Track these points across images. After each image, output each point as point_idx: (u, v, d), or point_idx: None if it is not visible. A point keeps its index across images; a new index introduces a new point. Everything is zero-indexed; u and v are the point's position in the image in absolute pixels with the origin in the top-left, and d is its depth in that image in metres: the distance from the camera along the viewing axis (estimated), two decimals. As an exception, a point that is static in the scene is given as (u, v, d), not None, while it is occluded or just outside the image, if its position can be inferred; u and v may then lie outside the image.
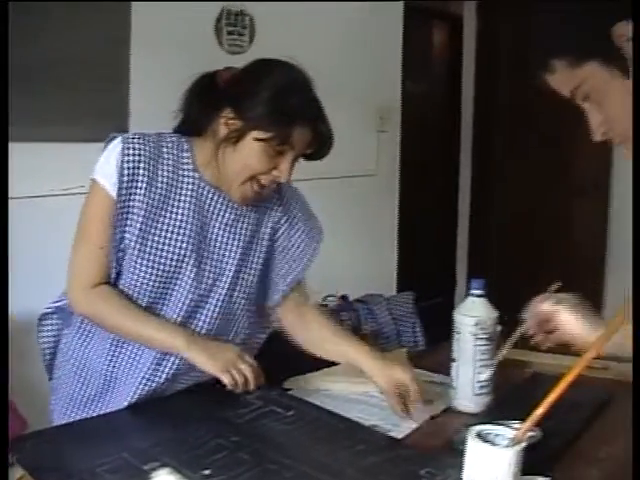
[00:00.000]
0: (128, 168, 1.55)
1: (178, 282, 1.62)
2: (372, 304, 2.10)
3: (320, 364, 1.81)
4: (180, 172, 1.61)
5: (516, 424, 1.28)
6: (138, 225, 1.57)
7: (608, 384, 1.76)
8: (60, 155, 2.68)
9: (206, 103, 1.61)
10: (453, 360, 1.65)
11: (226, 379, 1.52)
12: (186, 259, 1.61)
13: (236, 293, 1.69)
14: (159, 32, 2.93)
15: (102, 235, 1.58)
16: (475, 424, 1.30)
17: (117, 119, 2.78)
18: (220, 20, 3.19)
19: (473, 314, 1.63)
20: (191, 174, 1.62)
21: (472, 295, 1.65)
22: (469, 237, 4.76)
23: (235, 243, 1.67)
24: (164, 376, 1.62)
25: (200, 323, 1.64)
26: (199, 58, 3.04)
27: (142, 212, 1.58)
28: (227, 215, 1.65)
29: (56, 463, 1.34)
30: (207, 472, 1.32)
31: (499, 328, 1.75)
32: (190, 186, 1.61)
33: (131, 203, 1.57)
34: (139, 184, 1.57)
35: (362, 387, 1.77)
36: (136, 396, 1.61)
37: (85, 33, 2.66)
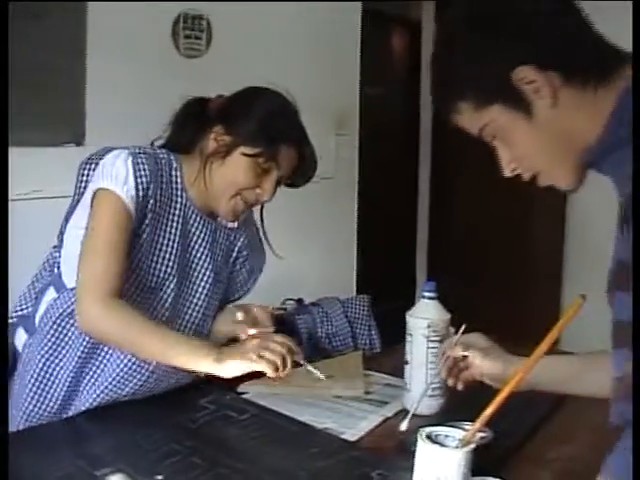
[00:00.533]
0: (142, 183, 1.55)
1: (157, 299, 1.62)
2: (327, 307, 2.11)
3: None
4: (171, 190, 1.62)
5: (466, 425, 1.30)
6: (140, 240, 1.57)
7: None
8: (14, 159, 2.65)
9: (196, 123, 1.66)
10: (406, 362, 1.66)
11: (262, 367, 1.48)
12: (170, 277, 1.62)
13: (208, 312, 1.72)
14: (115, 36, 2.91)
15: (121, 246, 1.53)
16: (426, 426, 1.31)
17: (73, 123, 2.76)
18: (177, 24, 3.18)
19: (425, 316, 1.64)
20: (180, 193, 1.63)
21: (424, 297, 1.67)
22: (429, 240, 4.80)
23: (210, 267, 1.70)
24: (127, 389, 1.61)
25: None
26: (156, 62, 3.05)
27: (147, 228, 1.58)
28: (206, 238, 1.69)
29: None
30: (160, 477, 1.32)
31: (452, 330, 1.77)
32: (179, 205, 1.63)
33: (142, 224, 1.58)
34: (149, 199, 1.57)
35: (315, 391, 1.77)
36: (95, 403, 1.60)
37: (39, 36, 2.64)
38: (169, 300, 1.63)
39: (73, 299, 1.55)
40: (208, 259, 1.69)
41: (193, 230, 1.66)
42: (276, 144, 1.58)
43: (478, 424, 1.25)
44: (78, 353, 1.58)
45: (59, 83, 2.71)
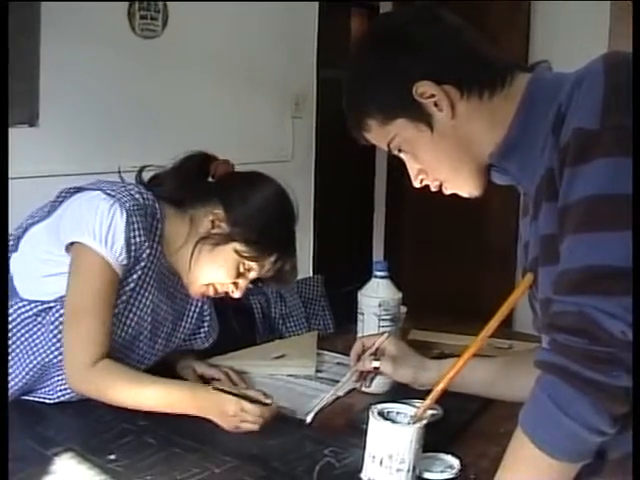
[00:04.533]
0: (135, 244, 1.51)
1: (129, 349, 1.60)
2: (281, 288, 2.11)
3: (226, 348, 1.83)
4: (151, 243, 1.55)
5: (417, 402, 1.32)
6: (123, 297, 1.54)
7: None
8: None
9: (196, 185, 1.62)
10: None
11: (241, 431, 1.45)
12: (144, 332, 1.60)
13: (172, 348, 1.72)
14: (70, 16, 2.86)
15: (104, 310, 1.49)
16: (377, 403, 1.32)
17: (27, 104, 2.72)
18: (132, 5, 3.14)
19: (376, 295, 1.66)
20: (157, 247, 1.57)
21: (376, 277, 1.68)
22: (385, 223, 4.81)
23: (178, 321, 1.70)
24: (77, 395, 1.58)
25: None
26: (111, 43, 3.02)
27: (130, 286, 1.54)
28: (177, 295, 1.67)
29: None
30: (112, 457, 1.33)
31: (404, 309, 1.79)
32: (156, 260, 1.57)
33: (128, 279, 1.54)
34: (141, 262, 1.53)
35: (268, 369, 1.79)
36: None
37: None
38: (140, 350, 1.61)
39: (23, 309, 1.52)
40: (177, 314, 1.68)
41: (164, 287, 1.62)
42: (269, 254, 1.58)
43: (429, 400, 1.26)
44: (27, 369, 1.54)
45: (12, 63, 2.66)
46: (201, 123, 3.31)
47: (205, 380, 1.70)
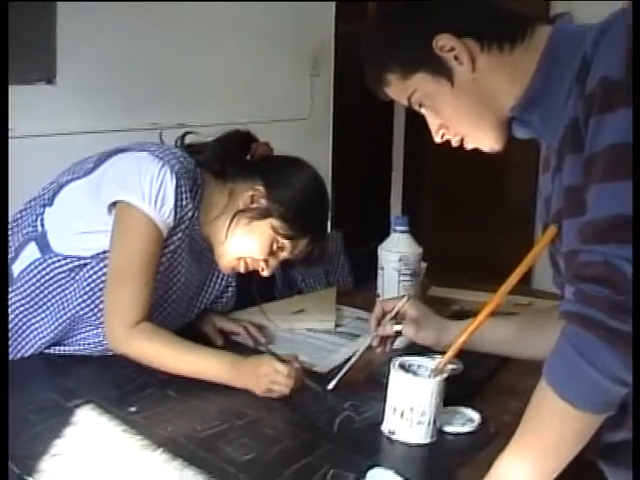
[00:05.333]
0: (181, 207, 1.52)
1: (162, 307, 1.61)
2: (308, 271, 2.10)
3: (246, 303, 1.83)
4: (193, 207, 1.56)
5: (438, 356, 1.31)
6: (163, 259, 1.54)
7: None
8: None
9: (236, 160, 1.64)
10: (378, 296, 1.67)
11: (272, 396, 1.42)
12: (174, 296, 1.62)
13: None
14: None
15: (149, 271, 1.49)
16: (398, 356, 1.33)
17: (44, 62, 2.69)
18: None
19: (397, 250, 1.65)
20: (195, 212, 1.57)
21: (396, 231, 1.67)
22: (404, 181, 4.77)
23: (203, 286, 1.72)
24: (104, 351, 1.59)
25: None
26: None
27: (170, 248, 1.55)
28: (204, 259, 1.67)
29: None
30: (133, 409, 1.34)
31: (424, 265, 1.78)
32: (192, 225, 1.58)
33: (168, 241, 1.54)
34: (182, 225, 1.54)
35: (288, 324, 1.80)
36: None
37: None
38: (172, 312, 1.63)
39: (58, 264, 1.52)
40: (198, 276, 1.69)
41: (194, 248, 1.62)
42: (304, 235, 1.60)
43: (451, 352, 1.26)
44: (56, 324, 1.55)
45: (28, 20, 2.64)
46: (217, 80, 3.28)
47: (224, 334, 1.71)
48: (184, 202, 1.52)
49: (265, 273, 1.63)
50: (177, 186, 1.50)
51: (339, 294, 2.01)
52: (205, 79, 3.23)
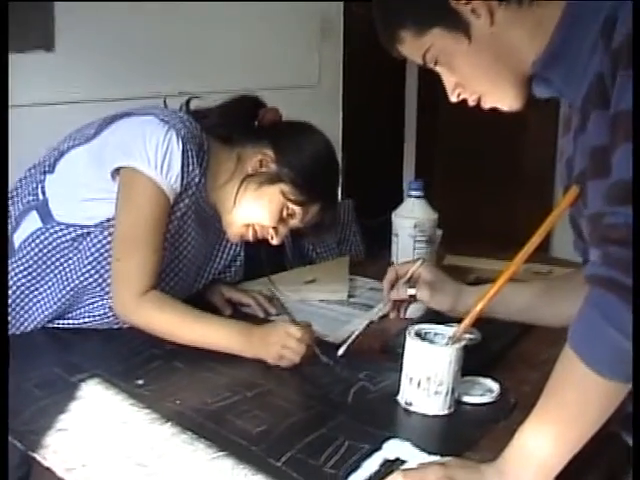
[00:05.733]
0: (188, 172, 1.48)
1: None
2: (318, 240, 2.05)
3: (255, 274, 1.80)
4: (200, 173, 1.52)
5: (455, 325, 1.27)
6: (169, 226, 1.51)
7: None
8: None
9: (243, 125, 1.62)
10: (392, 264, 1.62)
11: (282, 365, 1.40)
12: (180, 264, 1.58)
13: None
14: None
15: (157, 238, 1.46)
16: (415, 324, 1.30)
17: (42, 29, 2.64)
18: None
19: (412, 216, 1.61)
20: (202, 179, 1.53)
21: (411, 196, 1.62)
22: (416, 149, 4.71)
23: (210, 255, 1.68)
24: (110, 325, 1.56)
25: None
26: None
27: (177, 215, 1.51)
28: (210, 228, 1.63)
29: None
30: (140, 382, 1.32)
31: (439, 232, 1.73)
32: (199, 192, 1.54)
33: (174, 208, 1.50)
34: (188, 191, 1.50)
35: (299, 294, 1.77)
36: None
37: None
38: (180, 281, 1.60)
39: (60, 233, 1.49)
40: (205, 244, 1.65)
41: (201, 215, 1.59)
42: (314, 201, 1.56)
43: (468, 320, 1.23)
44: (59, 296, 1.52)
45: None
46: (223, 47, 3.22)
47: (233, 305, 1.68)
48: (191, 167, 1.48)
49: (274, 241, 1.59)
50: (184, 150, 1.46)
51: (351, 264, 1.97)
52: (210, 46, 3.17)
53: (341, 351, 1.41)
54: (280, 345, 1.38)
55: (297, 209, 1.55)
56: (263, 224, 1.56)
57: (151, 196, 1.45)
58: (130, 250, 1.45)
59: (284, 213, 1.55)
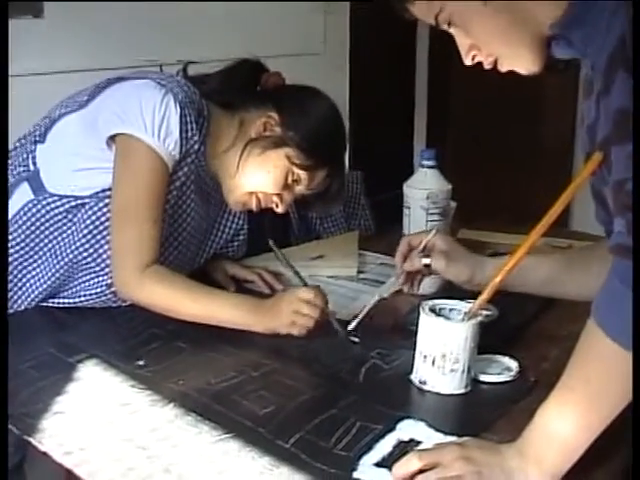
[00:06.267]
0: (187, 138, 1.43)
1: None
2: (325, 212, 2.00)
3: (260, 250, 1.75)
4: (199, 139, 1.47)
5: (471, 300, 1.22)
6: (169, 197, 1.45)
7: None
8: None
9: (245, 90, 1.57)
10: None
11: (295, 332, 1.36)
12: (180, 237, 1.53)
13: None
14: None
15: (156, 207, 1.41)
16: (429, 299, 1.26)
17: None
18: None
19: (424, 187, 1.56)
20: (197, 147, 1.47)
21: (423, 166, 1.57)
22: (428, 121, 4.63)
23: (212, 229, 1.64)
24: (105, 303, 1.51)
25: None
26: None
27: (176, 184, 1.46)
28: (212, 200, 1.58)
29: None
30: (141, 362, 1.28)
31: (453, 204, 1.68)
32: (195, 161, 1.48)
33: (173, 177, 1.45)
34: (187, 159, 1.45)
35: (307, 270, 1.69)
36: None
37: None
38: (180, 255, 1.55)
39: (53, 205, 1.44)
40: (206, 217, 1.60)
41: (201, 186, 1.54)
42: (321, 166, 1.51)
43: (486, 294, 1.18)
44: (53, 271, 1.47)
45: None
46: (223, 14, 3.15)
47: (237, 282, 1.64)
48: (189, 133, 1.42)
49: (279, 209, 1.54)
50: (182, 115, 1.41)
51: (361, 239, 1.92)
52: (210, 12, 3.10)
53: (352, 326, 1.37)
54: (292, 311, 1.34)
55: (303, 174, 1.50)
56: (267, 191, 1.51)
57: (149, 164, 1.39)
58: (129, 221, 1.39)
59: (289, 179, 1.50)
